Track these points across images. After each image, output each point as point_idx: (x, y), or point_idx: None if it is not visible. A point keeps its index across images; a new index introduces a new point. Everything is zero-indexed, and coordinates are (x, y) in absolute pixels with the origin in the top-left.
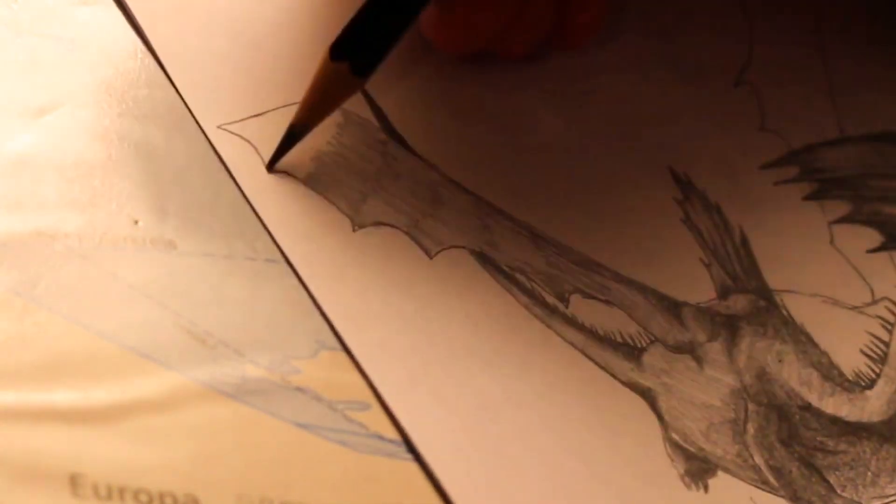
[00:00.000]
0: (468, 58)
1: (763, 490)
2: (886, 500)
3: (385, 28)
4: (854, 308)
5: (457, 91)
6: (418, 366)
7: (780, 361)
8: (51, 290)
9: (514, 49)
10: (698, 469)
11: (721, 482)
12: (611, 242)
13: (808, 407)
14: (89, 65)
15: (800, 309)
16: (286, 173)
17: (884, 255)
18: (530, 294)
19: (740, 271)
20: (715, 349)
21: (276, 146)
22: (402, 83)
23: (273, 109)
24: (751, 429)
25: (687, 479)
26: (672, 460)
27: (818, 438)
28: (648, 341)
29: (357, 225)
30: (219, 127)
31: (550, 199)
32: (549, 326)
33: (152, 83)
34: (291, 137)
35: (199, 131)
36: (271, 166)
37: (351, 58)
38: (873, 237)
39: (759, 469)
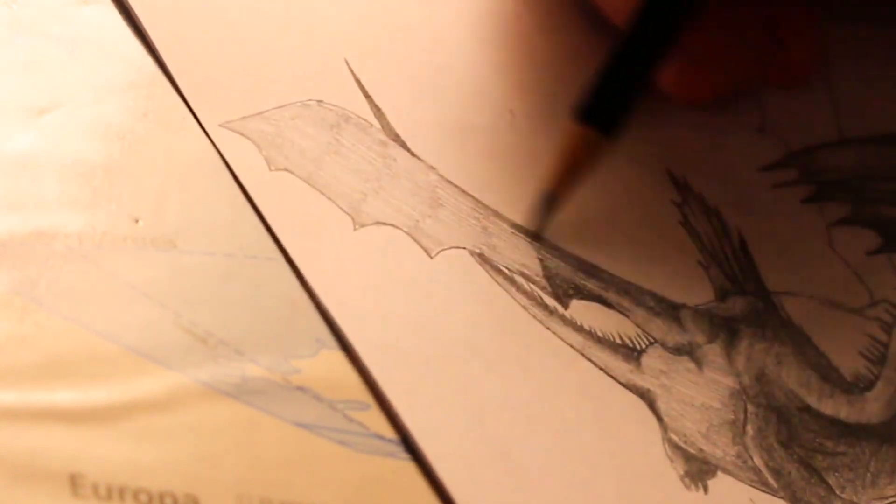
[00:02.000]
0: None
1: (762, 491)
2: (886, 502)
3: (628, 86)
4: (853, 310)
5: None
6: (418, 366)
7: (779, 363)
8: (51, 290)
9: (740, 88)
10: (698, 470)
11: (720, 483)
12: (609, 245)
13: (807, 408)
14: (89, 65)
15: (799, 311)
16: (287, 171)
17: (883, 257)
18: (529, 295)
19: (739, 273)
20: (714, 351)
21: (541, 216)
22: None
23: (274, 107)
24: (750, 430)
25: (686, 480)
26: (671, 461)
27: (817, 440)
28: (647, 343)
29: (358, 224)
30: (220, 125)
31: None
32: (548, 328)
33: (152, 82)
34: (552, 205)
35: (201, 130)
36: (540, 235)
37: (599, 121)
38: (872, 239)
39: (759, 470)
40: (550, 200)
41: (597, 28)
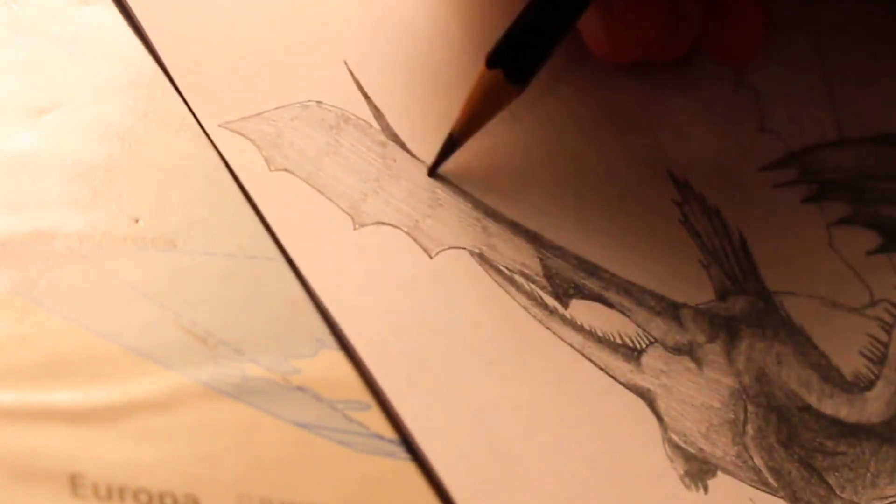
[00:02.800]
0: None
1: (763, 491)
2: (886, 502)
3: (542, 35)
4: (853, 310)
5: None
6: (418, 366)
7: (779, 363)
8: (51, 290)
9: (666, 56)
10: (698, 470)
11: (721, 483)
12: (609, 244)
13: (807, 408)
14: (89, 65)
15: (799, 310)
16: (286, 172)
17: (883, 256)
18: (529, 295)
19: (739, 273)
20: (714, 350)
21: (437, 153)
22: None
23: (274, 108)
24: (750, 430)
25: (686, 479)
26: (671, 461)
27: (817, 440)
28: (647, 342)
29: (358, 224)
30: (220, 125)
31: (549, 201)
32: (548, 327)
33: (152, 82)
34: (451, 145)
35: (200, 130)
36: (432, 172)
37: (507, 66)
38: (872, 239)
39: (759, 470)
40: (451, 140)
41: None
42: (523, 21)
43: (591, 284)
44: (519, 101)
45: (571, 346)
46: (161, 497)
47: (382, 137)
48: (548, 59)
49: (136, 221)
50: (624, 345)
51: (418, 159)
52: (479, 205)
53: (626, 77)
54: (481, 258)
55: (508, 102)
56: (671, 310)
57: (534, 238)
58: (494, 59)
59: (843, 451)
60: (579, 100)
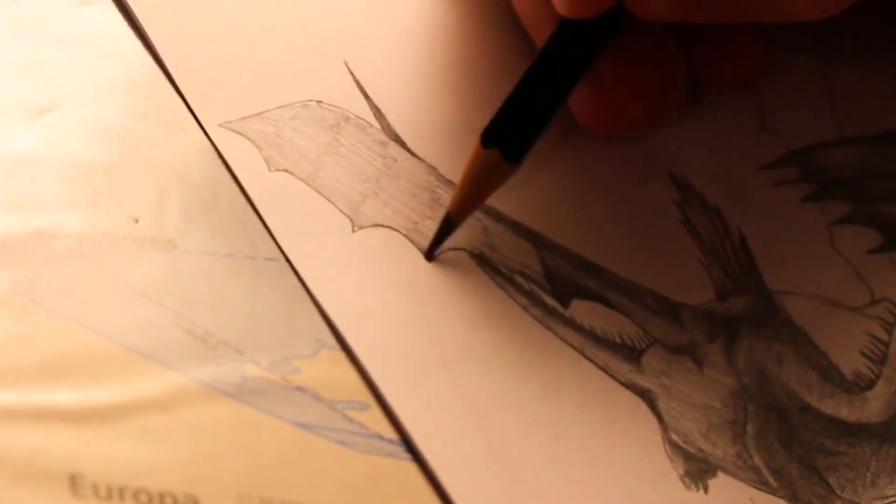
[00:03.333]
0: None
1: (763, 491)
2: (886, 501)
3: (535, 114)
4: (854, 309)
5: None
6: (418, 366)
7: (779, 363)
8: (51, 290)
9: (659, 121)
10: (698, 470)
11: (721, 483)
12: (609, 244)
13: (807, 408)
14: (89, 65)
15: (799, 310)
16: (286, 172)
17: (883, 255)
18: (529, 296)
19: (739, 273)
20: (714, 350)
21: (434, 236)
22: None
23: (274, 108)
24: (750, 430)
25: (687, 479)
26: (672, 461)
27: (818, 439)
28: (648, 343)
29: (357, 226)
30: (220, 125)
31: (549, 201)
32: (548, 328)
33: (152, 82)
34: (448, 226)
35: (200, 130)
36: (430, 255)
37: (503, 145)
38: (873, 238)
39: (759, 470)
40: (449, 221)
41: None
42: (516, 99)
43: (592, 284)
44: None
45: (571, 346)
46: (161, 497)
47: (383, 137)
48: (541, 135)
49: (136, 221)
50: (624, 345)
51: (419, 158)
52: None
53: None
54: (481, 258)
55: (505, 180)
56: (671, 310)
57: (534, 238)
58: (490, 139)
59: (843, 450)
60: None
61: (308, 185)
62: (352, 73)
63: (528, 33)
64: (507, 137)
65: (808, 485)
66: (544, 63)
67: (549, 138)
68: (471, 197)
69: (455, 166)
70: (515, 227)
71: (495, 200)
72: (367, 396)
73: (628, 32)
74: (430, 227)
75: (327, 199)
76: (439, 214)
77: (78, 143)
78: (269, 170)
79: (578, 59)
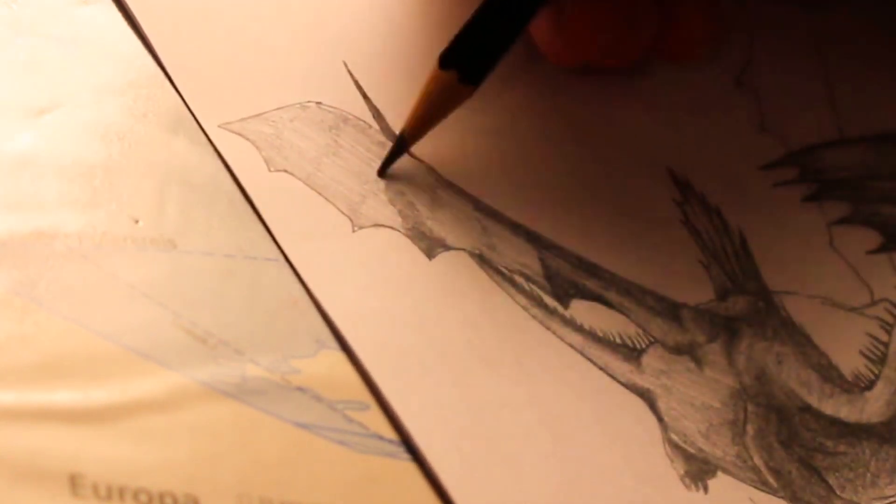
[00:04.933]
0: (576, 69)
1: (763, 491)
2: (886, 501)
3: (495, 36)
4: (853, 309)
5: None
6: (418, 366)
7: (779, 363)
8: (51, 290)
9: (619, 60)
10: (698, 470)
11: (721, 483)
12: (609, 244)
13: (807, 408)
14: (89, 65)
15: (799, 310)
16: (286, 172)
17: (883, 256)
18: (529, 296)
19: (739, 272)
20: (714, 350)
21: (387, 153)
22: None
23: (273, 109)
24: (750, 430)
25: (687, 479)
26: (672, 461)
27: (817, 439)
28: (648, 343)
29: (356, 226)
30: (219, 126)
31: (549, 201)
32: (548, 328)
33: (152, 83)
34: (401, 145)
35: (200, 130)
36: (382, 172)
37: (461, 66)
38: (873, 238)
39: (759, 470)
40: (402, 140)
41: None
42: (476, 22)
43: (592, 284)
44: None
45: (571, 346)
46: (161, 497)
47: (382, 138)
48: (500, 59)
49: (136, 221)
50: (624, 345)
51: (418, 159)
52: (479, 205)
53: (624, 79)
54: (481, 259)
55: (461, 103)
56: (671, 310)
57: (534, 238)
58: (448, 60)
59: (843, 451)
60: (580, 103)
61: (307, 185)
62: (351, 74)
63: None
64: (465, 59)
65: (808, 485)
66: None
67: (552, 132)
68: (425, 117)
69: (455, 166)
70: (515, 227)
71: (495, 201)
72: (367, 396)
73: None
74: (431, 227)
75: (327, 200)
76: (439, 214)
77: (78, 143)
78: (269, 170)
79: None
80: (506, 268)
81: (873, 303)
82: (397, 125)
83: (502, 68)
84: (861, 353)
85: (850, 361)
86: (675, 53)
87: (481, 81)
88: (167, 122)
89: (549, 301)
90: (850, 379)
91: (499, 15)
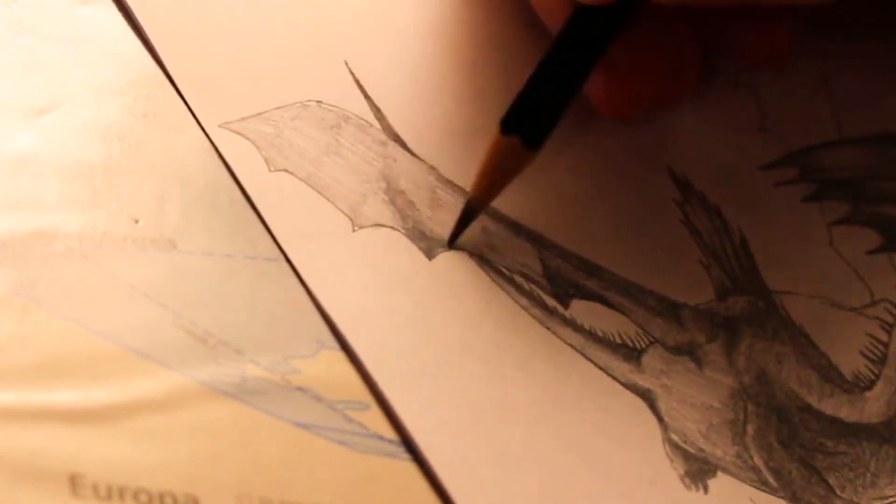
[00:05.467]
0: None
1: (763, 491)
2: (886, 501)
3: (554, 98)
4: (853, 309)
5: None
6: (418, 366)
7: (779, 363)
8: (51, 290)
9: (673, 99)
10: (698, 470)
11: (721, 483)
12: (609, 244)
13: (807, 408)
14: (89, 65)
15: (799, 310)
16: (286, 172)
17: (883, 256)
18: (529, 296)
19: (739, 273)
20: (714, 350)
21: (455, 223)
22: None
23: (274, 108)
24: (750, 430)
25: (687, 479)
26: (672, 461)
27: (818, 439)
28: (648, 343)
29: (357, 225)
30: (220, 125)
31: (549, 201)
32: (548, 328)
33: (152, 82)
34: (469, 214)
35: (200, 130)
36: (451, 243)
37: (523, 131)
38: (873, 238)
39: (759, 470)
40: (470, 209)
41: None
42: (535, 85)
43: (592, 284)
44: None
45: (571, 346)
46: (161, 497)
47: (383, 137)
48: (559, 121)
49: (136, 221)
50: (624, 345)
51: (419, 159)
52: None
53: None
54: (481, 258)
55: (525, 167)
56: (671, 309)
57: (534, 238)
58: (510, 126)
59: (843, 451)
60: (579, 103)
61: (308, 184)
62: (352, 73)
63: (539, 19)
64: (526, 124)
65: (808, 485)
66: (562, 49)
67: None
68: (492, 184)
69: (455, 166)
70: (515, 227)
71: (495, 200)
72: (367, 396)
73: (642, 15)
74: (431, 227)
75: (327, 199)
76: (439, 214)
77: (78, 143)
78: (269, 170)
79: (595, 44)
80: (506, 268)
81: (873, 303)
82: (398, 124)
83: None
84: (861, 353)
85: (850, 361)
86: (761, 62)
87: (542, 144)
88: (167, 122)
89: (549, 301)
90: (850, 379)
91: (556, 76)
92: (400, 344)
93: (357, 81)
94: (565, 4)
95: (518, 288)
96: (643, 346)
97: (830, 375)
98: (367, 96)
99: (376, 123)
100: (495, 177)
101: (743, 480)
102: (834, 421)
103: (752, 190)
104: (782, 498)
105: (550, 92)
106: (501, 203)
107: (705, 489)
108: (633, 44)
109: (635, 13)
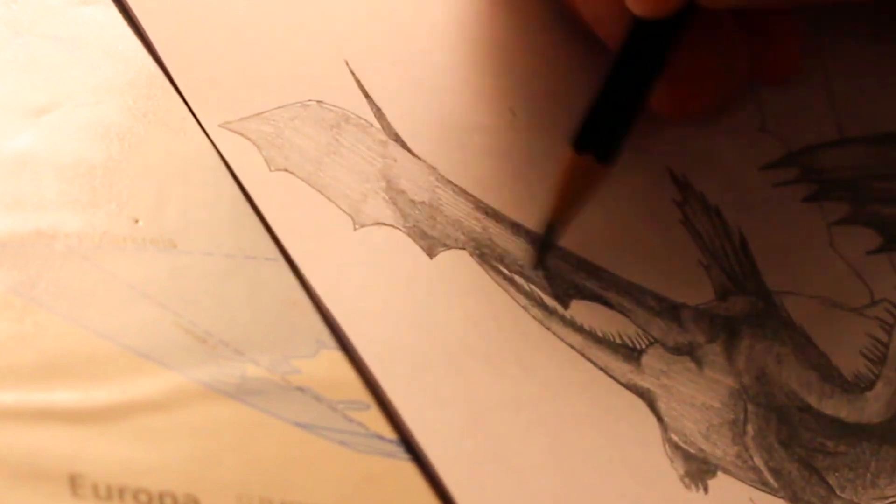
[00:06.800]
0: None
1: (763, 491)
2: (886, 502)
3: (622, 114)
4: (853, 310)
5: None
6: (418, 366)
7: (779, 363)
8: (51, 290)
9: (724, 103)
10: (698, 470)
11: (721, 483)
12: (609, 244)
13: (807, 408)
14: (89, 65)
15: (799, 310)
16: (286, 172)
17: (883, 256)
18: (529, 295)
19: (739, 273)
20: (714, 351)
21: (538, 246)
22: None
23: (274, 108)
24: (750, 430)
25: (687, 480)
26: (672, 461)
27: (818, 440)
28: (648, 343)
29: (358, 224)
30: (220, 125)
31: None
32: (548, 328)
33: (152, 82)
34: (551, 235)
35: (200, 130)
36: (536, 265)
37: (597, 148)
38: (873, 238)
39: (759, 470)
40: (551, 230)
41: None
42: (603, 101)
43: (592, 285)
44: None
45: (571, 346)
46: (161, 497)
47: (383, 137)
48: (630, 133)
49: (136, 221)
50: (624, 345)
51: (419, 158)
52: (479, 205)
53: None
54: (481, 258)
55: (600, 183)
56: (671, 310)
57: (534, 238)
58: (583, 143)
59: (843, 451)
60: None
61: (308, 184)
62: (352, 73)
63: (540, 20)
64: (599, 140)
65: (808, 485)
66: (624, 64)
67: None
68: (570, 203)
69: (455, 166)
70: (515, 227)
71: (495, 200)
72: (367, 396)
73: (696, 20)
74: (432, 226)
75: (328, 199)
76: (440, 214)
77: (78, 143)
78: (270, 169)
79: (657, 55)
80: (506, 268)
81: (873, 303)
82: (398, 124)
83: None
84: (861, 353)
85: (850, 362)
86: (771, 77)
87: (616, 159)
88: (167, 121)
89: (549, 301)
90: (850, 379)
91: (623, 90)
92: (401, 343)
93: (357, 81)
94: (616, 14)
95: (518, 288)
96: (643, 346)
97: (830, 375)
98: (367, 96)
99: (376, 123)
100: (573, 196)
101: (743, 481)
102: (834, 421)
103: (752, 190)
104: (782, 498)
105: (620, 106)
106: (501, 203)
107: (705, 489)
108: (689, 48)
109: (693, 20)
